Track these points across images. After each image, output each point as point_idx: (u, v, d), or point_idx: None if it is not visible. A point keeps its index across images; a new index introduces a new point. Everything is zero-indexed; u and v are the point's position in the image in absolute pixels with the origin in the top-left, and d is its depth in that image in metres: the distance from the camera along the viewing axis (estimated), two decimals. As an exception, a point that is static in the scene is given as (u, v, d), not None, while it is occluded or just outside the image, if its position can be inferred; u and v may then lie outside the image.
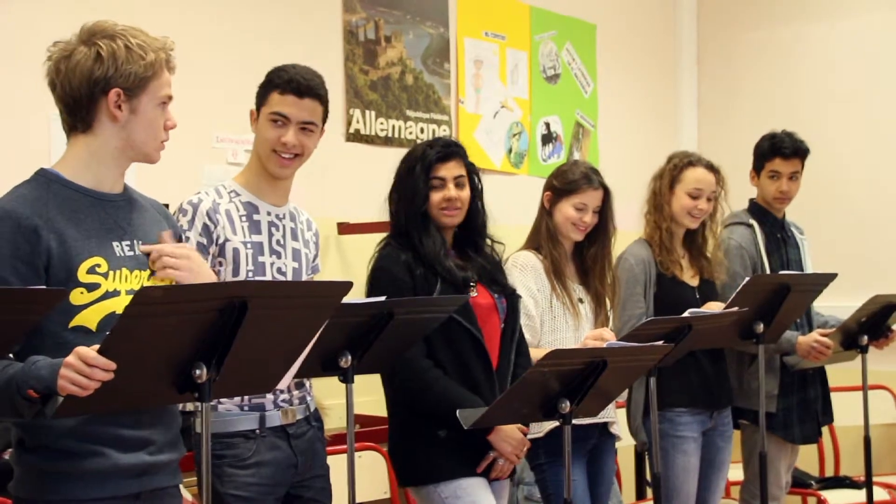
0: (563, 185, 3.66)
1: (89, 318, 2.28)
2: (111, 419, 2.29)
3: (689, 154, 4.10)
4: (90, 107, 2.35)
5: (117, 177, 2.42)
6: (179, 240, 2.58)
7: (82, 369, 2.04)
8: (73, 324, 2.26)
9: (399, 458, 3.30)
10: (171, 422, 2.45)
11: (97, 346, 2.06)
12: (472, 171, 3.35)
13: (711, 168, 4.03)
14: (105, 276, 2.31)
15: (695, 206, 3.97)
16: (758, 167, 4.35)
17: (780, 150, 4.30)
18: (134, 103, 2.36)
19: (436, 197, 3.25)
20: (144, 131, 2.38)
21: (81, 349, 2.06)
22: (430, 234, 3.24)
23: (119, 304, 2.30)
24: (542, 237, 3.66)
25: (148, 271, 2.40)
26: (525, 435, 3.27)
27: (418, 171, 3.24)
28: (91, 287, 2.29)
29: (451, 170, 3.27)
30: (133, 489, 2.35)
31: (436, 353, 3.17)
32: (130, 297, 2.28)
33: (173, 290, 2.23)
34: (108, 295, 2.31)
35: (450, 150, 3.29)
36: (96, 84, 2.33)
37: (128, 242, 2.38)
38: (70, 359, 2.05)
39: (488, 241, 3.40)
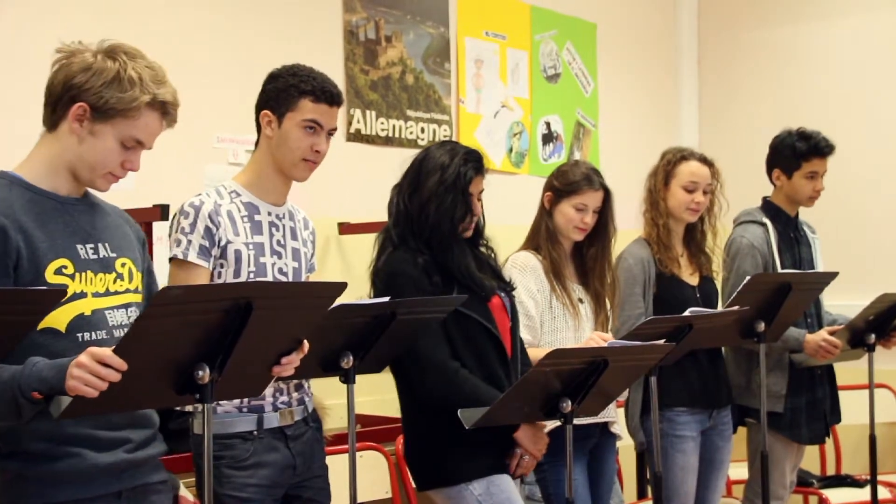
0: (563, 185, 3.65)
1: (58, 320, 2.26)
2: (85, 421, 2.28)
3: (682, 149, 4.09)
4: (59, 108, 2.33)
5: (74, 183, 2.39)
6: (144, 244, 2.57)
7: (96, 370, 2.04)
8: (42, 326, 2.23)
9: (421, 460, 3.26)
10: (146, 421, 2.44)
11: (111, 347, 2.07)
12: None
13: (705, 161, 4.01)
14: (72, 277, 2.30)
15: (691, 199, 3.96)
16: (791, 167, 4.29)
17: (820, 150, 4.28)
18: (96, 126, 2.31)
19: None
20: (94, 157, 2.34)
21: (94, 349, 2.06)
22: (461, 248, 3.22)
23: (87, 306, 2.30)
24: (542, 237, 3.66)
25: (113, 274, 2.38)
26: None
27: (457, 190, 3.20)
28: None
29: (478, 185, 3.27)
30: (113, 488, 2.34)
31: (458, 353, 3.17)
32: (97, 299, 2.32)
33: (191, 289, 2.23)
34: (76, 296, 2.29)
35: (480, 166, 3.27)
36: (70, 89, 2.31)
37: (92, 245, 2.36)
38: (83, 359, 2.05)
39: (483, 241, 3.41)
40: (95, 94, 2.29)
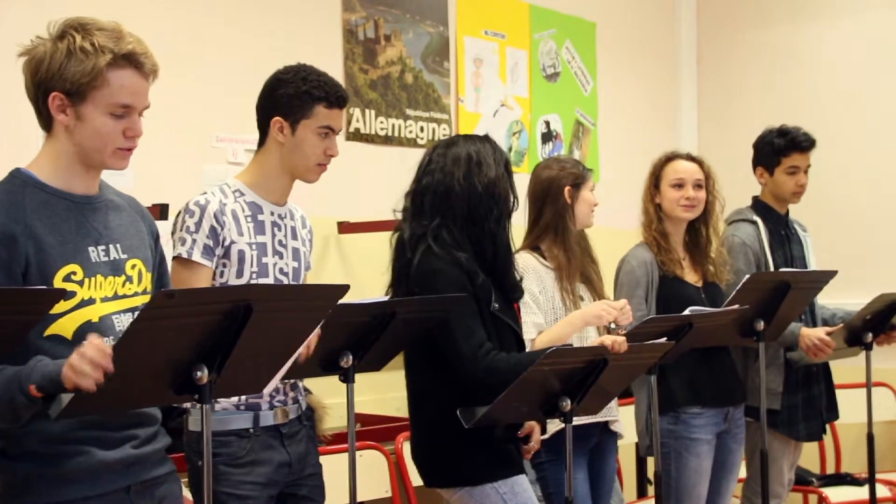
0: (577, 177, 3.69)
1: (65, 327, 2.24)
2: (93, 422, 2.27)
3: (668, 152, 4.12)
4: (42, 107, 2.28)
5: (88, 179, 2.35)
6: (157, 238, 2.54)
7: (96, 358, 2.00)
8: (48, 332, 2.22)
9: (442, 461, 3.19)
10: (149, 419, 2.44)
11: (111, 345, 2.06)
12: None
13: (692, 159, 4.03)
14: (80, 283, 2.27)
15: (682, 195, 3.95)
16: (772, 163, 4.32)
17: (798, 145, 4.31)
18: (79, 109, 2.26)
19: None
20: (91, 140, 2.28)
21: (95, 338, 2.04)
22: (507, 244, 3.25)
23: (94, 313, 2.28)
24: (560, 234, 3.65)
25: (123, 277, 2.36)
26: (543, 432, 3.32)
27: (504, 172, 3.22)
28: (67, 295, 2.24)
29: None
30: (122, 483, 2.34)
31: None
32: (105, 304, 2.30)
33: (184, 293, 2.19)
34: (84, 303, 2.27)
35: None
36: (39, 86, 2.26)
37: (103, 247, 2.33)
38: (83, 345, 2.03)
39: None
40: (60, 78, 2.23)
